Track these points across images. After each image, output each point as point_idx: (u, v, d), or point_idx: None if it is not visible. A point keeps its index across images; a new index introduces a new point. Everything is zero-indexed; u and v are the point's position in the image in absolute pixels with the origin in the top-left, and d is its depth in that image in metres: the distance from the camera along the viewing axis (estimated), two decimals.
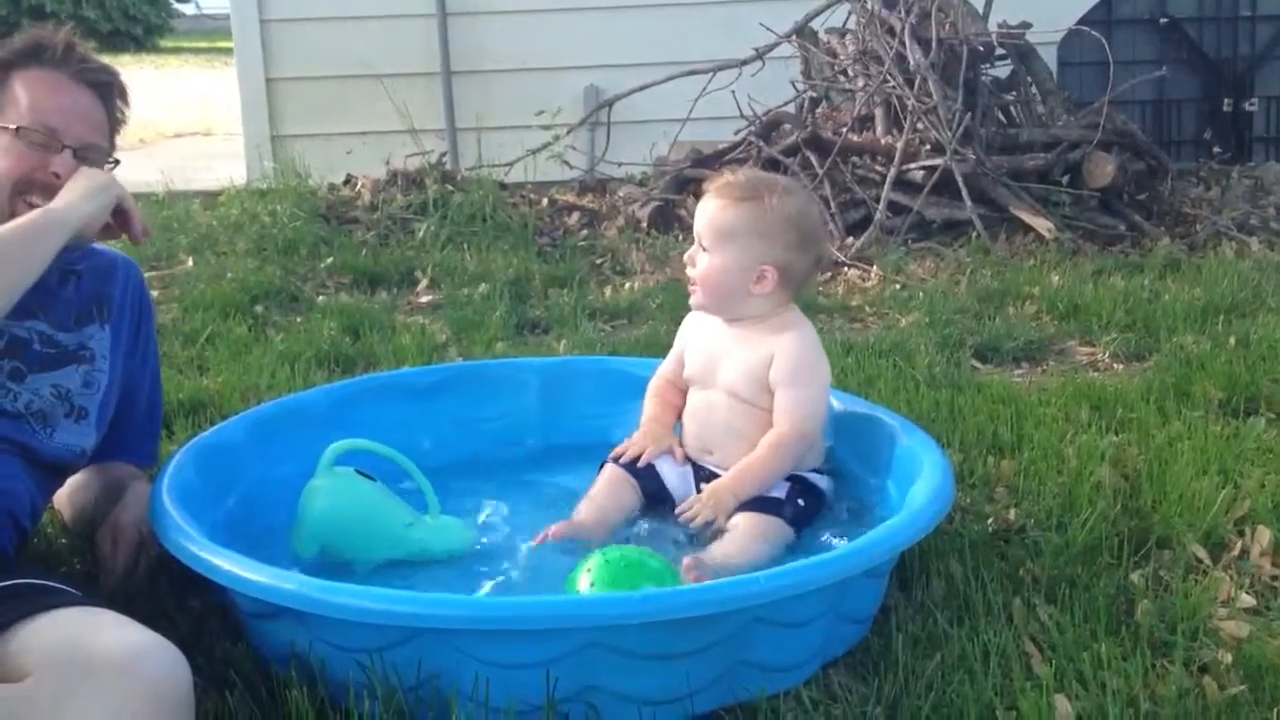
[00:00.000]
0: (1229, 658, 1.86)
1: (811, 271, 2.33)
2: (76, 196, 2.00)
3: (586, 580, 1.91)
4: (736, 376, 2.27)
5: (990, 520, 2.34)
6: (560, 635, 1.67)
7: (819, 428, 2.29)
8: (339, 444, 2.16)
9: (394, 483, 2.21)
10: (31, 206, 2.04)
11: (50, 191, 2.05)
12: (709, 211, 2.26)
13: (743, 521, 2.14)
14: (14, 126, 2.04)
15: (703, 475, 2.30)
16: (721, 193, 2.26)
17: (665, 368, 2.46)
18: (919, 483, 2.07)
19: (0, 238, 1.89)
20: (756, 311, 2.28)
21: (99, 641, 1.54)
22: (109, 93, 2.14)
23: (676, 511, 2.18)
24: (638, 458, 2.32)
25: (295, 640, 1.76)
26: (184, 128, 9.48)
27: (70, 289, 2.17)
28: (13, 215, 2.04)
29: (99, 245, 2.21)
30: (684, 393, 2.41)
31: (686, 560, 1.98)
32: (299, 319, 3.96)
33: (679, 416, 2.41)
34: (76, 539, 2.30)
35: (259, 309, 4.04)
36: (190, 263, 4.70)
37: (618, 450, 2.36)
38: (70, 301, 2.17)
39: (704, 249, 2.27)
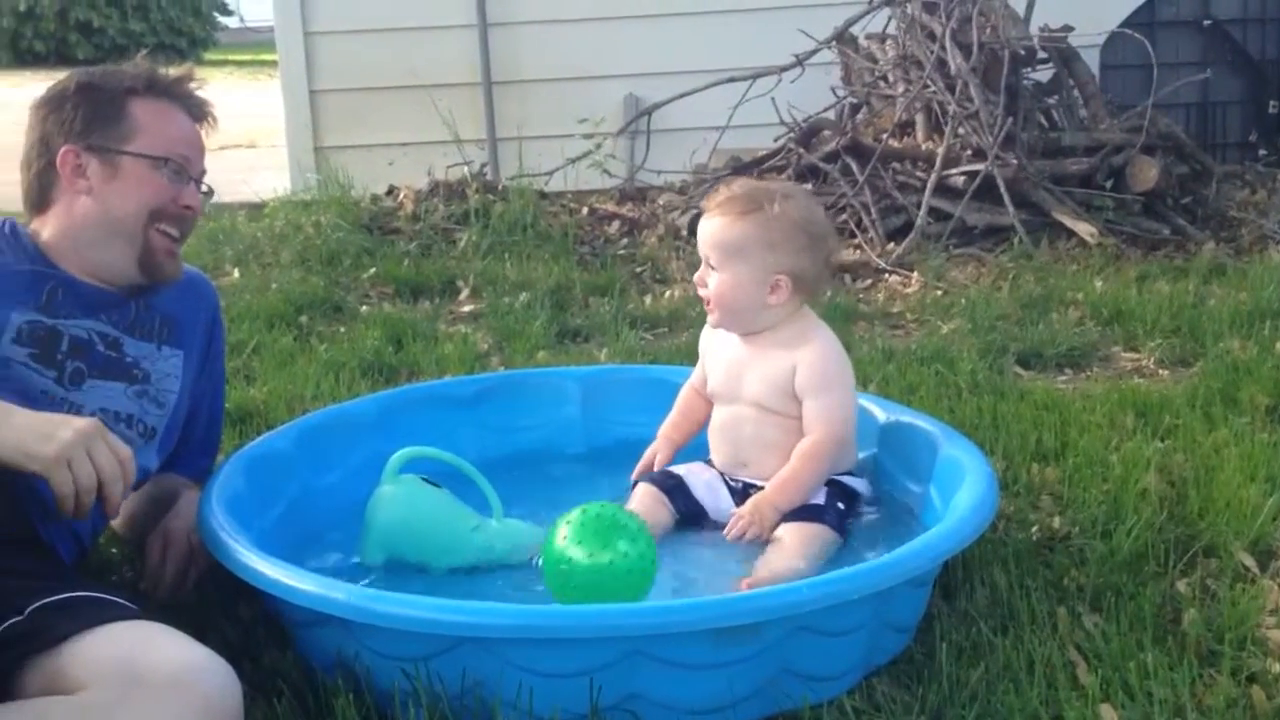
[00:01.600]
0: (1277, 667, 1.84)
1: (823, 272, 2.30)
2: (30, 436, 1.68)
3: (564, 532, 1.93)
4: (761, 388, 2.26)
5: (1035, 528, 2.33)
6: (603, 644, 1.68)
7: (851, 430, 2.28)
8: (404, 451, 2.18)
9: (456, 489, 2.21)
10: (164, 235, 2.11)
11: (180, 223, 2.12)
12: (712, 230, 2.24)
13: (788, 534, 2.14)
14: (159, 156, 2.08)
15: (738, 489, 2.30)
16: (723, 209, 2.23)
17: (694, 376, 2.46)
18: (963, 490, 2.06)
19: None
20: (774, 321, 2.26)
21: (154, 656, 1.56)
22: (205, 124, 2.21)
23: (724, 534, 2.17)
24: (667, 474, 2.34)
25: (342, 648, 1.78)
26: (228, 140, 9.54)
27: (139, 298, 2.18)
28: (146, 243, 2.10)
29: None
30: (709, 402, 2.40)
31: (744, 585, 1.98)
32: (343, 329, 3.99)
33: (700, 426, 2.42)
34: (127, 546, 2.33)
35: (303, 319, 4.08)
36: (236, 274, 4.75)
37: (638, 470, 2.39)
38: (139, 313, 2.17)
39: (712, 268, 2.25)
